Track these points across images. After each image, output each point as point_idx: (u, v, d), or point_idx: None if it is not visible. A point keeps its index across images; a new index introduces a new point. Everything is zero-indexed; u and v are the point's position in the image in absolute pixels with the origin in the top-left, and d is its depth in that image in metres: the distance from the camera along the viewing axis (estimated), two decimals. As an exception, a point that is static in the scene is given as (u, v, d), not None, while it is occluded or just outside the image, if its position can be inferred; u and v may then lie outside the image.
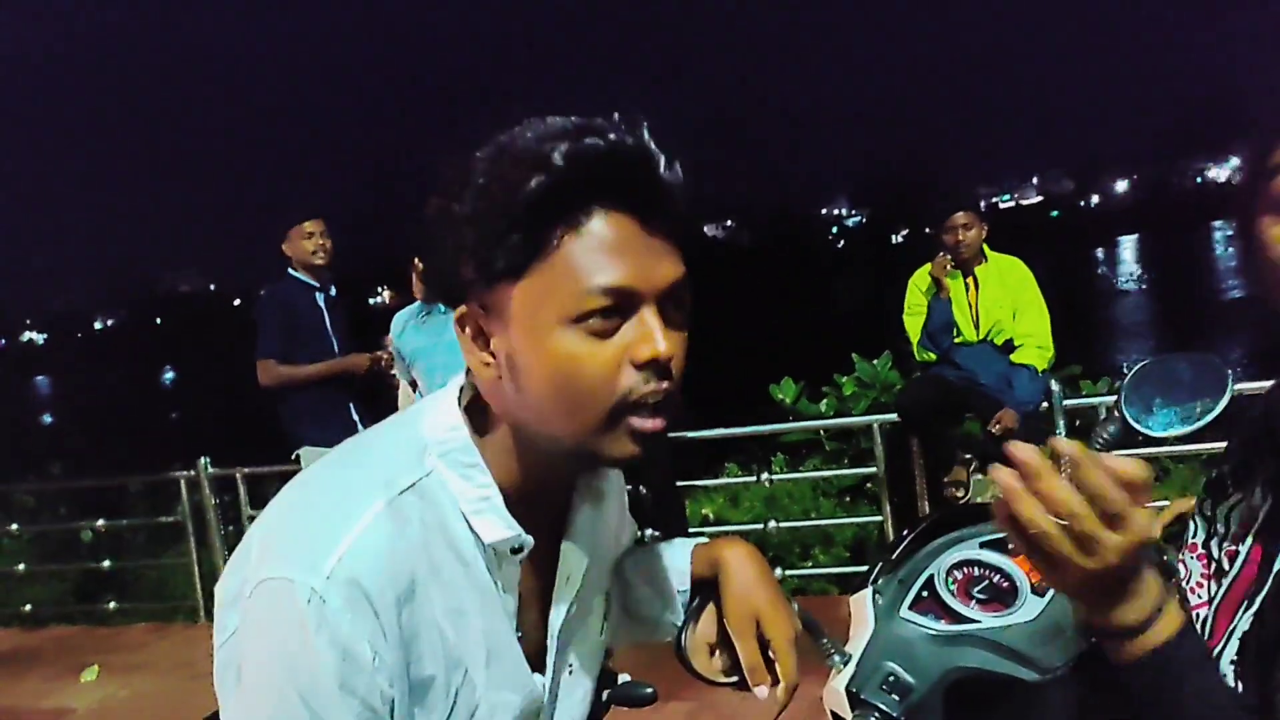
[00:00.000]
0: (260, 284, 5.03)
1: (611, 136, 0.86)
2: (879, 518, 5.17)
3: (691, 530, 5.12)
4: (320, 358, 4.55)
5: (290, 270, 4.67)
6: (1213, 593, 0.95)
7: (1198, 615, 0.96)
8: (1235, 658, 0.90)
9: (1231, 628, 0.91)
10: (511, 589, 0.98)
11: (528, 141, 0.86)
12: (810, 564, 5.44)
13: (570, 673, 1.08)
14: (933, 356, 4.86)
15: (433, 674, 0.92)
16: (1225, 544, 0.96)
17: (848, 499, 5.96)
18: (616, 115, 0.88)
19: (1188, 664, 0.83)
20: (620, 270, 0.86)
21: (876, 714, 1.31)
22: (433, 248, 0.92)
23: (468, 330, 0.91)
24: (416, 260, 4.51)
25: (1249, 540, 0.94)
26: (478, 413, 0.97)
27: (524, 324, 0.87)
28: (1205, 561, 0.97)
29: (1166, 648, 0.83)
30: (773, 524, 5.24)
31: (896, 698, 1.31)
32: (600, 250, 0.86)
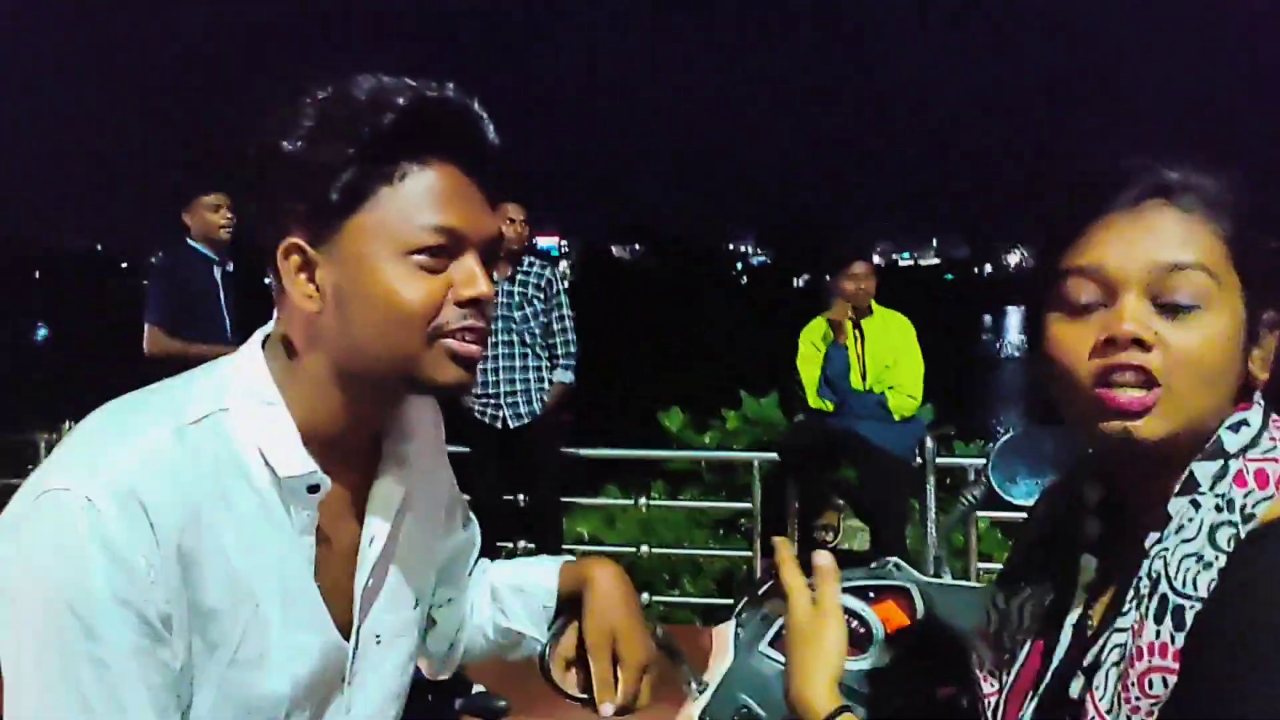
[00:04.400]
0: (151, 250, 4.89)
1: (450, 94, 0.95)
2: (749, 553, 5.24)
3: (565, 547, 5.12)
4: (211, 333, 4.42)
5: (189, 240, 4.55)
6: (1003, 682, 1.00)
7: (989, 703, 1.01)
8: None
9: (1021, 714, 0.96)
10: (307, 531, 0.97)
11: (373, 86, 0.92)
12: (677, 592, 5.49)
13: (378, 642, 1.07)
14: (830, 405, 4.93)
15: (219, 605, 0.90)
16: (1016, 635, 1.01)
17: (721, 531, 6.03)
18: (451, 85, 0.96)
19: None
20: (452, 213, 0.93)
21: (726, 745, 1.34)
22: (257, 185, 0.95)
23: (291, 262, 0.93)
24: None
25: (1034, 633, 0.99)
26: (281, 356, 0.98)
27: (355, 255, 0.92)
28: (997, 651, 1.02)
29: None
30: (646, 548, 5.27)
31: (747, 729, 1.35)
32: (435, 193, 0.93)
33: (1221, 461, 0.85)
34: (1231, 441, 0.86)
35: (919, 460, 4.81)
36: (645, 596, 5.27)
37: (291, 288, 0.94)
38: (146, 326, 4.42)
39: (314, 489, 0.96)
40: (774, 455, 5.15)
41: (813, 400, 5.02)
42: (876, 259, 5.14)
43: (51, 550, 0.83)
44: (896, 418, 4.82)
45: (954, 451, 5.78)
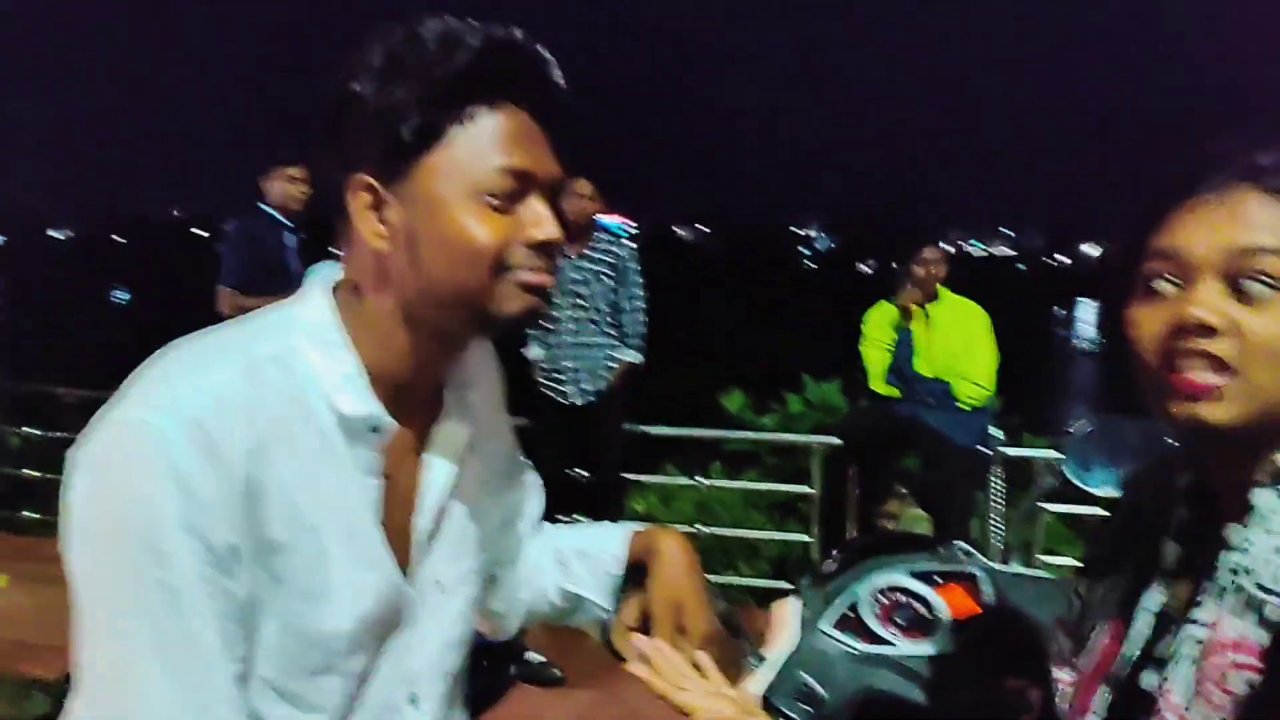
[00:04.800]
0: (227, 217, 5.00)
1: (518, 37, 0.96)
2: (806, 538, 5.22)
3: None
4: (282, 296, 4.49)
5: (262, 205, 4.64)
6: (1080, 668, 0.98)
7: (1063, 691, 0.99)
8: None
9: (1094, 700, 0.94)
10: (372, 473, 0.99)
11: (442, 29, 0.94)
12: (732, 573, 5.48)
13: (440, 589, 1.08)
14: (895, 391, 4.87)
15: (283, 539, 0.91)
16: (1096, 623, 0.99)
17: (778, 515, 6.00)
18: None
19: None
20: (522, 155, 0.95)
21: (785, 722, 1.34)
22: (329, 127, 0.96)
23: (361, 199, 0.95)
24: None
25: (1112, 616, 0.97)
26: (348, 298, 1.00)
27: (426, 195, 0.93)
28: (1076, 640, 1.00)
29: None
30: (702, 528, 5.27)
31: (809, 709, 1.34)
32: (505, 135, 0.95)
33: None
34: None
35: (986, 451, 4.74)
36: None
37: (362, 225, 0.95)
38: (220, 288, 4.51)
39: (376, 430, 0.98)
40: (835, 440, 5.11)
41: (876, 385, 4.96)
42: (947, 246, 5.05)
43: (122, 479, 0.85)
44: (965, 407, 4.75)
45: (1021, 443, 5.69)
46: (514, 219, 0.95)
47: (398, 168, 0.94)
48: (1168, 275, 0.86)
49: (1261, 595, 0.79)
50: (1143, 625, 0.93)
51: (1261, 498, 0.83)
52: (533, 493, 1.32)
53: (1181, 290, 0.85)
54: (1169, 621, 0.91)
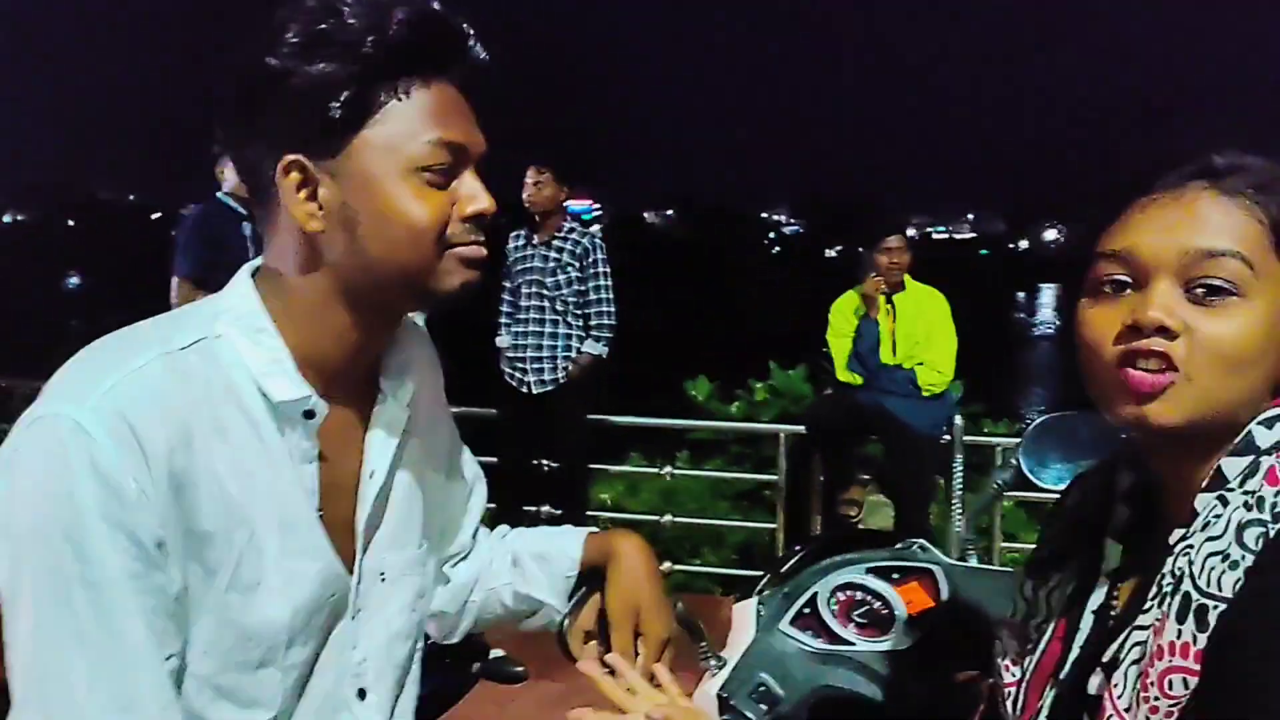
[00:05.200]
0: (182, 202, 4.92)
1: (441, 11, 0.96)
2: (772, 525, 5.24)
3: (588, 513, 5.14)
4: None
5: (219, 194, 4.56)
6: (1025, 670, 0.98)
7: (1008, 693, 0.99)
8: None
9: (1040, 704, 0.94)
10: (306, 459, 0.97)
11: (366, 5, 0.92)
12: (698, 562, 5.50)
13: (383, 579, 1.07)
14: (859, 379, 4.90)
15: (212, 529, 0.90)
16: (1042, 624, 0.99)
17: (744, 503, 6.03)
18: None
19: None
20: (456, 128, 0.95)
21: (743, 721, 1.34)
22: (248, 105, 0.93)
23: (291, 179, 0.93)
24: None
25: (1058, 617, 0.97)
26: (273, 284, 0.98)
27: (361, 172, 0.92)
28: (1021, 640, 1.01)
29: None
30: (668, 517, 5.28)
31: (765, 707, 1.35)
32: (438, 108, 0.94)
33: (1252, 457, 0.83)
34: (1264, 437, 0.83)
35: (947, 437, 4.78)
36: (666, 565, 5.29)
37: (293, 207, 0.93)
38: (175, 279, 4.43)
39: (310, 414, 0.96)
40: (800, 428, 5.13)
41: (841, 374, 4.99)
42: (910, 231, 5.07)
43: (42, 475, 0.84)
44: (925, 394, 4.78)
45: (983, 429, 5.74)
46: (449, 194, 0.95)
47: (329, 145, 0.92)
48: (1121, 275, 0.86)
49: (1202, 599, 0.79)
50: (1086, 626, 0.94)
51: (1204, 502, 0.84)
52: (476, 484, 1.31)
53: (1135, 291, 0.85)
54: (1113, 623, 0.91)
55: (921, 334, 4.83)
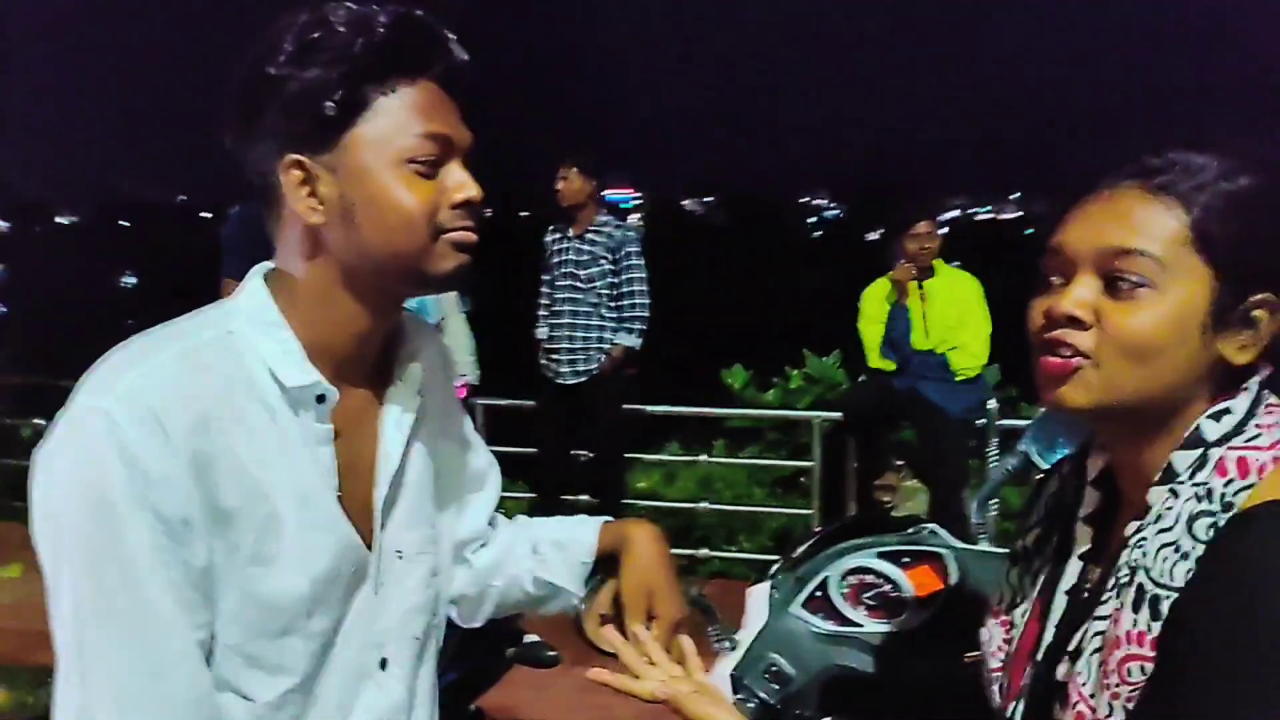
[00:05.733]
0: (230, 203, 4.99)
1: (424, 16, 1.04)
2: (808, 511, 5.27)
3: (625, 502, 5.19)
4: None
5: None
6: (1009, 653, 1.03)
7: (994, 678, 1.04)
8: (1025, 711, 0.98)
9: (1023, 684, 0.98)
10: (322, 442, 1.04)
11: (351, 10, 1.01)
12: (735, 548, 5.54)
13: (400, 557, 1.14)
14: (892, 365, 4.90)
15: (234, 507, 0.97)
16: (1023, 603, 1.03)
17: (780, 490, 6.04)
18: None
19: None
20: (441, 122, 1.03)
21: (756, 700, 1.39)
22: (250, 109, 1.02)
23: (293, 176, 1.01)
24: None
25: (1036, 596, 1.02)
26: (283, 282, 1.06)
27: (356, 166, 1.00)
28: (1007, 627, 1.05)
29: None
30: (705, 505, 5.33)
31: (777, 687, 1.40)
32: (423, 104, 1.02)
33: (1200, 450, 0.87)
34: (1211, 430, 0.87)
35: (982, 421, 4.78)
36: (704, 551, 5.34)
37: (296, 201, 1.01)
38: (224, 280, 4.51)
39: (321, 399, 1.03)
40: (836, 415, 5.15)
41: (874, 360, 4.99)
42: (954, 212, 5.03)
43: (76, 463, 0.93)
44: (959, 378, 4.78)
45: (1022, 413, 5.71)
46: (438, 183, 1.02)
47: (325, 142, 1.00)
48: (1055, 269, 0.92)
49: (1156, 589, 0.84)
50: (1060, 606, 0.98)
51: (1156, 495, 0.88)
52: (490, 472, 1.37)
53: (1064, 284, 0.91)
54: (1081, 606, 0.96)
55: (954, 318, 4.82)
